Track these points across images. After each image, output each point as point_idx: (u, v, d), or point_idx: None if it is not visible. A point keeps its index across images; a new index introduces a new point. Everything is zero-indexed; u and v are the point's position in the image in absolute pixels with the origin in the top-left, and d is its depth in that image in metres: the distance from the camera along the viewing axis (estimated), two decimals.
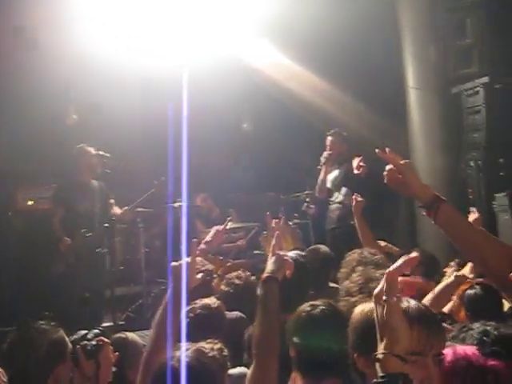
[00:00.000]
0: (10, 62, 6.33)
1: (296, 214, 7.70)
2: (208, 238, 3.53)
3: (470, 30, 6.84)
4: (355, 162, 6.14)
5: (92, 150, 6.08)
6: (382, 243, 4.98)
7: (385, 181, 2.20)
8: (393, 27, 7.26)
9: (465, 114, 6.92)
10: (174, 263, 2.38)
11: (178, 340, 2.22)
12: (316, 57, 7.47)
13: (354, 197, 5.01)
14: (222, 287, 3.81)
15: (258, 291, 2.37)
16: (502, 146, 6.67)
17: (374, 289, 2.02)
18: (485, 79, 6.70)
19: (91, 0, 6.29)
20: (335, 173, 6.61)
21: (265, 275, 2.41)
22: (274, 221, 2.96)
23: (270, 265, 2.45)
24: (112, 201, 6.30)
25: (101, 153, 5.97)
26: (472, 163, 6.82)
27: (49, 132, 6.94)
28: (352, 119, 7.66)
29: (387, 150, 2.22)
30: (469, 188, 6.90)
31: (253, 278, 3.88)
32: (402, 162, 2.16)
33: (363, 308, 2.05)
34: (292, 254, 3.28)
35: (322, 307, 2.46)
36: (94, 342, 2.65)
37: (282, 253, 2.53)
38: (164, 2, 6.37)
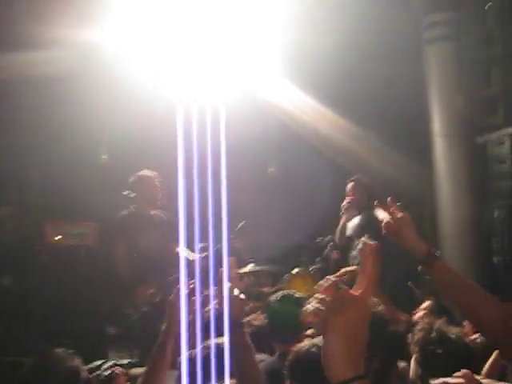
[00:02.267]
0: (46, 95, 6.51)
1: (318, 259, 7.67)
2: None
3: (495, 81, 6.92)
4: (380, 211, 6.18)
5: (151, 178, 5.48)
6: None
7: (382, 232, 2.21)
8: (420, 74, 7.38)
9: (491, 162, 6.94)
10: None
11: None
12: (343, 100, 7.59)
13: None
14: None
15: None
16: None
17: None
18: (510, 130, 6.74)
19: (127, 41, 6.49)
20: (356, 220, 6.66)
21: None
22: None
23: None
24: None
25: (126, 193, 5.77)
26: (496, 212, 6.80)
27: (80, 169, 7.08)
28: (379, 162, 7.72)
29: (389, 200, 2.24)
30: (493, 237, 6.87)
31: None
32: (399, 215, 2.18)
33: None
34: None
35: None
36: (108, 372, 2.66)
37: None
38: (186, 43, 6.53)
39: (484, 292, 2.01)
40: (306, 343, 2.50)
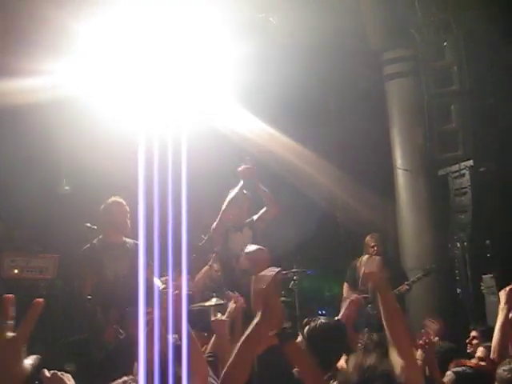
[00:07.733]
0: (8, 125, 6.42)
1: (283, 292, 7.62)
2: None
3: (454, 116, 7.08)
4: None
5: (122, 204, 5.35)
6: None
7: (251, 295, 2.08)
8: (382, 109, 7.52)
9: (451, 195, 7.05)
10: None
11: None
12: (308, 134, 7.66)
13: None
14: None
15: None
16: (488, 228, 6.76)
17: None
18: (470, 162, 6.87)
19: (91, 74, 6.48)
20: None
21: None
22: None
23: None
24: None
25: (88, 225, 5.67)
26: (458, 244, 6.88)
27: (40, 201, 6.95)
28: (344, 195, 7.77)
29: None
30: (455, 269, 6.94)
31: None
32: (263, 285, 2.05)
33: None
34: None
35: None
36: None
37: None
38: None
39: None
40: None
